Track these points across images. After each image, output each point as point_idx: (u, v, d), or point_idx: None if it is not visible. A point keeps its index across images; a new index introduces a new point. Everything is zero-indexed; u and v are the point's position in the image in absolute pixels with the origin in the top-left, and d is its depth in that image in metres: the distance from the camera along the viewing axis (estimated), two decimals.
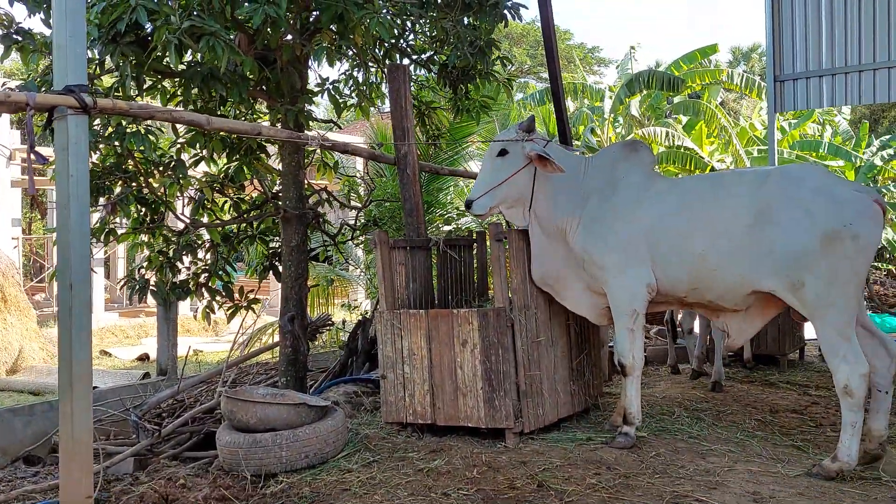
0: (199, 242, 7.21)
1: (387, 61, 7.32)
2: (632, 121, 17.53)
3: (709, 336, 7.68)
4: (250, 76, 5.82)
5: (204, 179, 6.83)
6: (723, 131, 16.52)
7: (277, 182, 7.50)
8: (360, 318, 8.62)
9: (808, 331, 10.11)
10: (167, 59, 5.18)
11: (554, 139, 6.75)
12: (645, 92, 15.76)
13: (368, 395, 6.43)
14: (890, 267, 21.79)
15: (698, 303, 4.96)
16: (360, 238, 8.71)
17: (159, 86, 6.63)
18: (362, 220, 8.52)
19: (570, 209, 5.04)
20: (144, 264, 7.02)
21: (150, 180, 6.47)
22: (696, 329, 7.98)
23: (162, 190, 6.51)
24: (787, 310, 4.86)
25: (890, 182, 21.46)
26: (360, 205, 8.19)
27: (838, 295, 4.38)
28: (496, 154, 5.10)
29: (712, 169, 16.82)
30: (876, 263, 21.03)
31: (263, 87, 6.56)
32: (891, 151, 22.46)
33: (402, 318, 5.21)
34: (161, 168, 6.60)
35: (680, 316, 8.23)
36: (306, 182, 6.87)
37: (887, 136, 24.23)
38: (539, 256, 5.18)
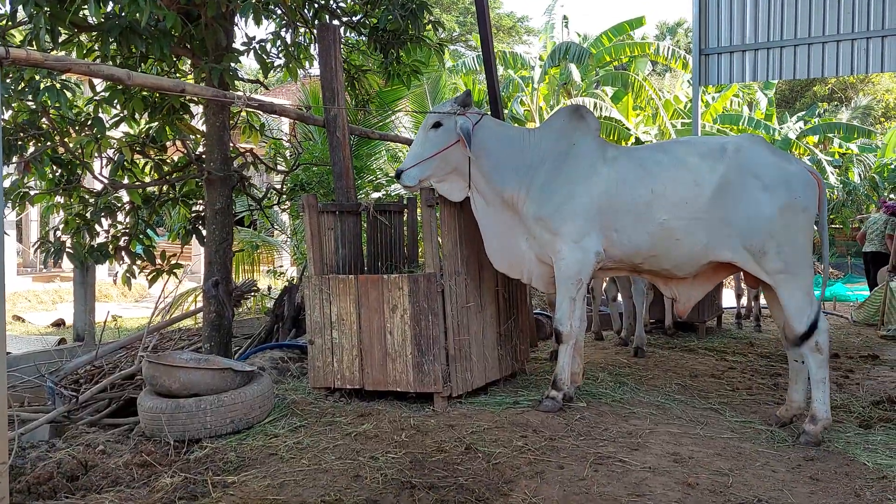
0: (119, 205, 6.96)
1: (316, 22, 7.15)
2: (561, 91, 17.66)
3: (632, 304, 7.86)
4: (173, 32, 5.59)
5: (124, 139, 6.56)
6: (650, 103, 16.78)
7: (201, 144, 7.29)
8: (286, 284, 8.51)
9: (726, 299, 10.50)
10: (85, 10, 4.94)
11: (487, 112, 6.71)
12: (574, 63, 15.86)
13: (295, 360, 6.36)
14: None
15: (652, 270, 5.01)
16: (287, 203, 8.57)
17: (75, 40, 6.32)
18: (289, 185, 8.37)
19: (519, 179, 4.98)
20: (60, 227, 6.75)
21: (66, 139, 6.19)
22: (620, 297, 8.16)
23: (79, 149, 6.24)
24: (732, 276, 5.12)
25: (806, 156, 22.27)
26: (286, 169, 8.03)
27: (799, 261, 4.62)
28: (430, 126, 5.02)
29: (637, 140, 17.12)
30: None
31: (187, 44, 6.33)
32: (802, 126, 23.35)
33: (331, 284, 5.15)
34: (78, 126, 6.32)
35: (605, 284, 8.39)
36: (231, 144, 6.68)
37: (803, 112, 25.14)
38: (492, 233, 5.14)
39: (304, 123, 9.65)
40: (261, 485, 3.80)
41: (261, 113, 7.74)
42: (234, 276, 10.33)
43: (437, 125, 5.00)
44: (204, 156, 6.56)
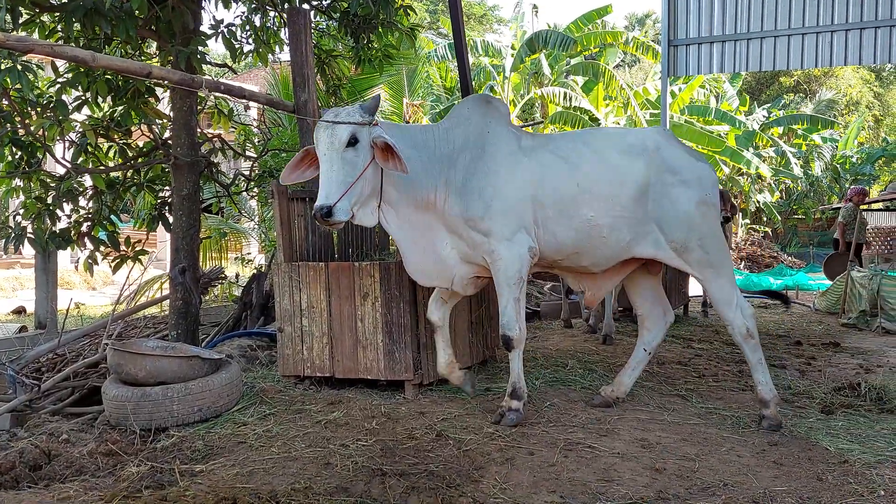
0: (81, 189, 6.84)
1: (286, 5, 7.07)
2: (532, 80, 17.67)
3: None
4: (138, 13, 5.48)
5: (87, 123, 6.42)
6: (620, 93, 16.87)
7: (168, 128, 7.17)
8: (254, 271, 8.44)
9: (692, 288, 10.63)
10: None
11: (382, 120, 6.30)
12: (545, 51, 15.88)
13: (264, 349, 6.31)
14: (766, 229, 23.06)
15: (568, 268, 4.82)
16: (255, 189, 8.48)
17: (38, 20, 6.18)
18: (257, 171, 8.28)
19: (432, 177, 4.47)
20: (21, 211, 6.60)
21: (28, 121, 6.05)
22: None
23: (41, 132, 6.10)
24: (666, 267, 5.16)
25: (770, 147, 22.60)
26: (255, 155, 7.95)
27: (720, 252, 4.70)
28: (344, 144, 4.08)
29: None
30: (754, 226, 22.24)
31: (153, 27, 6.22)
32: (764, 118, 23.69)
33: (301, 271, 5.11)
34: (39, 109, 6.17)
35: None
36: (199, 129, 6.58)
37: (769, 104, 25.49)
38: (409, 244, 4.56)
39: (272, 109, 9.56)
40: (229, 473, 3.77)
41: (229, 98, 7.65)
42: (201, 264, 10.22)
43: (352, 142, 4.10)
44: (170, 141, 6.45)
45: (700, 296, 10.56)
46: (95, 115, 6.85)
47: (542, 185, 4.52)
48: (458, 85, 8.58)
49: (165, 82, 5.26)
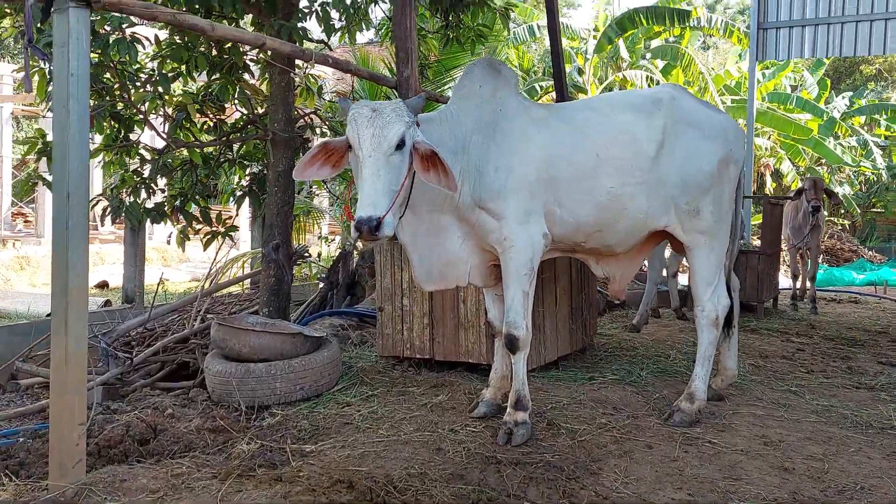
0: (176, 164, 6.86)
1: None
2: (609, 63, 17.29)
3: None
4: None
5: (188, 96, 6.41)
6: (700, 77, 16.40)
7: (261, 104, 7.15)
8: (339, 250, 8.41)
9: (782, 280, 10.28)
10: None
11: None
12: (631, 32, 15.46)
13: (354, 328, 6.27)
14: (845, 222, 22.27)
15: (593, 249, 4.34)
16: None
17: None
18: None
19: (455, 167, 3.87)
20: (117, 184, 6.66)
21: (130, 94, 6.07)
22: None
23: (142, 105, 6.12)
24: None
25: (851, 137, 21.79)
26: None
27: (724, 222, 4.35)
28: (392, 148, 3.45)
29: None
30: (832, 218, 21.49)
31: (255, 1, 6.17)
32: (846, 106, 22.84)
33: (403, 250, 5.00)
34: (139, 83, 6.19)
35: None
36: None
37: (850, 93, 24.55)
38: (422, 247, 4.06)
39: (355, 88, 9.50)
40: (340, 454, 3.69)
41: (319, 75, 7.59)
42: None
43: (400, 145, 3.48)
44: (268, 116, 6.41)
45: (788, 288, 10.19)
46: (190, 91, 6.86)
47: (557, 159, 4.03)
48: (551, 70, 8.35)
49: (267, 54, 5.18)
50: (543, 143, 4.02)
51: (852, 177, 22.64)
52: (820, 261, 17.12)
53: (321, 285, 8.08)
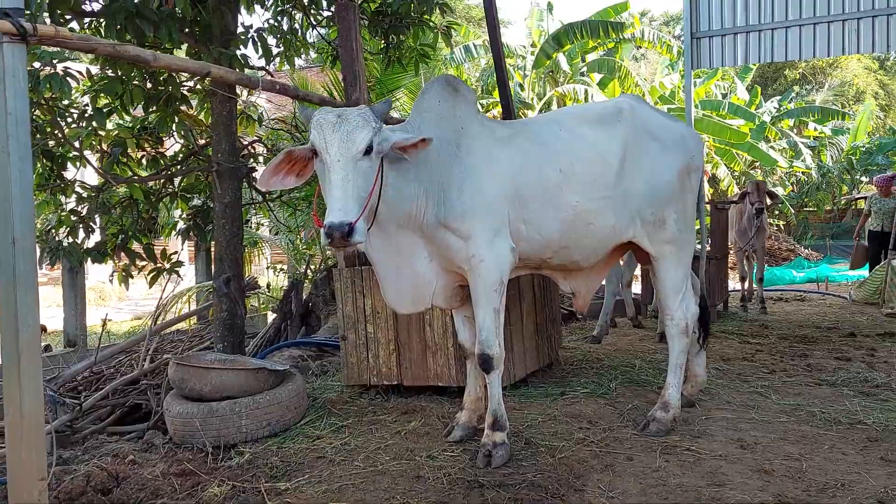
0: (115, 201, 6.63)
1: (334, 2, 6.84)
2: (548, 78, 17.49)
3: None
4: (182, 14, 5.28)
5: (126, 130, 6.20)
6: (636, 89, 16.69)
7: (201, 134, 6.98)
8: (290, 280, 8.23)
9: (731, 281, 10.45)
10: None
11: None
12: (569, 46, 15.65)
13: (314, 358, 6.12)
14: (780, 223, 22.88)
15: (560, 265, 4.26)
16: (288, 195, 8.27)
17: (67, 26, 5.97)
18: None
19: (415, 188, 3.77)
20: (54, 225, 6.40)
21: (65, 131, 5.84)
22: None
23: (76, 141, 5.89)
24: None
25: (781, 139, 22.46)
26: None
27: (689, 230, 4.35)
28: (362, 151, 3.36)
29: None
30: (770, 220, 22.05)
31: (187, 29, 6.01)
32: (774, 109, 23.57)
33: (365, 276, 4.90)
34: (71, 119, 5.97)
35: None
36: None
37: (779, 97, 25.35)
38: (389, 267, 3.93)
39: (296, 115, 9.35)
40: (317, 490, 3.56)
41: (257, 104, 7.45)
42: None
43: (368, 150, 3.38)
44: (211, 147, 6.25)
45: (737, 290, 10.37)
46: (127, 124, 6.65)
47: (524, 177, 3.95)
48: (491, 87, 8.34)
49: (207, 83, 5.04)
50: (508, 161, 3.94)
51: (784, 178, 23.32)
52: None
53: (273, 316, 7.90)
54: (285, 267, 10.39)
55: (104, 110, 6.16)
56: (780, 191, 22.43)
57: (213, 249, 6.49)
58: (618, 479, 3.58)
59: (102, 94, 6.01)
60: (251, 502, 3.47)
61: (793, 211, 22.88)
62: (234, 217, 6.20)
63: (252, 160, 6.94)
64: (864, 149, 24.33)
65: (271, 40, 7.19)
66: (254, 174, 7.07)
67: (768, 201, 9.72)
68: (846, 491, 3.42)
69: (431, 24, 7.46)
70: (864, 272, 12.12)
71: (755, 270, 9.98)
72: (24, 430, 3.08)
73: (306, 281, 8.32)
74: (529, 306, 5.19)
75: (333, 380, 5.57)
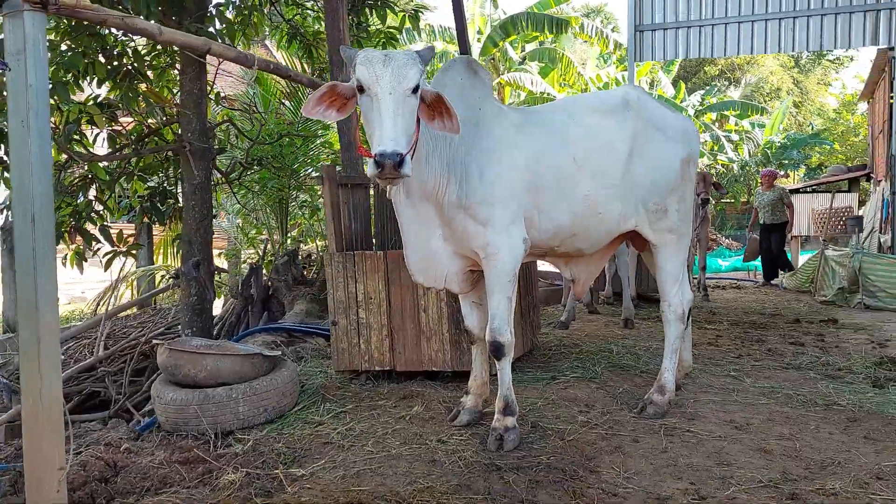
0: (70, 181, 6.34)
1: None
2: (489, 66, 17.55)
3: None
4: None
5: (90, 105, 5.92)
6: (579, 79, 16.94)
7: (166, 112, 6.73)
8: (250, 265, 8.06)
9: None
10: None
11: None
12: (514, 37, 15.75)
13: (287, 344, 6.01)
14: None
15: (564, 253, 4.34)
16: (246, 177, 8.07)
17: None
18: (250, 158, 7.87)
19: (440, 160, 3.79)
20: (6, 205, 6.08)
21: None
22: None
23: None
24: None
25: (704, 132, 23.23)
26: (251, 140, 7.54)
27: (688, 219, 4.51)
28: (412, 88, 3.31)
29: None
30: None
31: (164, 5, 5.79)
32: (697, 103, 24.36)
33: (357, 261, 4.84)
34: None
35: None
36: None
37: (702, 91, 26.18)
38: (412, 234, 3.95)
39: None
40: (334, 476, 3.52)
41: (217, 84, 7.22)
42: (174, 262, 9.72)
43: (416, 89, 3.35)
44: (170, 126, 6.03)
45: (695, 277, 10.72)
46: (83, 101, 6.35)
47: (539, 164, 3.97)
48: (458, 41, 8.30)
49: (177, 58, 4.87)
50: (525, 147, 3.95)
51: (706, 171, 24.14)
52: None
53: (230, 300, 7.71)
54: (245, 253, 10.15)
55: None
56: None
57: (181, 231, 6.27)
58: (629, 459, 3.67)
59: (63, 68, 5.73)
60: (269, 488, 3.41)
61: (712, 202, 23.72)
62: (205, 199, 6.03)
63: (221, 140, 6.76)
64: (779, 143, 25.43)
65: (229, 15, 6.99)
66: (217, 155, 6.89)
67: (715, 192, 10.04)
68: (843, 468, 3.59)
69: (391, 5, 7.40)
70: (757, 263, 12.75)
71: (696, 259, 10.31)
72: (44, 418, 2.95)
73: (264, 267, 8.15)
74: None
75: (312, 366, 5.50)
